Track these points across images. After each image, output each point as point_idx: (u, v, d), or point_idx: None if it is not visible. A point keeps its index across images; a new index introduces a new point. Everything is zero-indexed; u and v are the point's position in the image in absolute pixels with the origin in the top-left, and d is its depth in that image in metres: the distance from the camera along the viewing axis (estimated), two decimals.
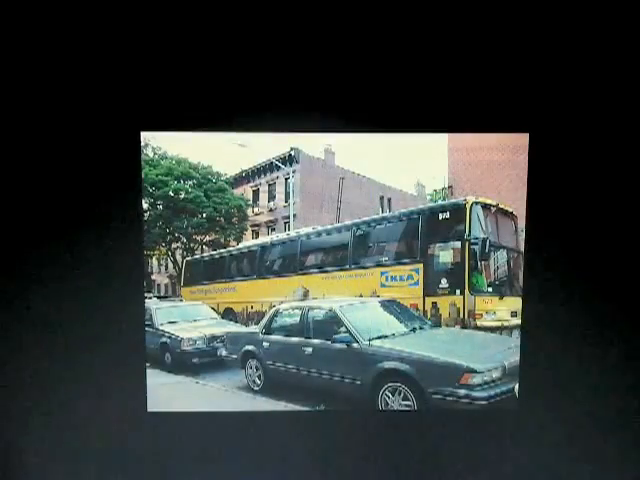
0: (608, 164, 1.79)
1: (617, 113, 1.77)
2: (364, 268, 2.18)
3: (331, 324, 2.07)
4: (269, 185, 2.34)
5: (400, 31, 1.73)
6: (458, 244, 2.05)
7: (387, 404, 1.91)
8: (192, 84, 1.75)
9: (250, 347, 2.23)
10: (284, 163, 2.25)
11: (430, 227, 2.09)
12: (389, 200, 2.25)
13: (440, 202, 2.10)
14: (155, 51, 1.72)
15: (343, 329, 2.04)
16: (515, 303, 1.93)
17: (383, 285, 2.13)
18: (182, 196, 2.21)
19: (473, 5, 1.71)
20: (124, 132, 1.76)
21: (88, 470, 1.89)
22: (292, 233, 2.32)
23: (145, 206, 2.00)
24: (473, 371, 1.83)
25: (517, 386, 1.89)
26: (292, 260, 2.34)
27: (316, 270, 2.27)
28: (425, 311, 2.06)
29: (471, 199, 2.05)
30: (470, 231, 2.03)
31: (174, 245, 2.27)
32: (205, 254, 2.36)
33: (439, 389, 1.85)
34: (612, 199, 1.81)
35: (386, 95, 1.77)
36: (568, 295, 1.85)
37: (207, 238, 2.31)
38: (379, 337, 2.01)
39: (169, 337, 2.24)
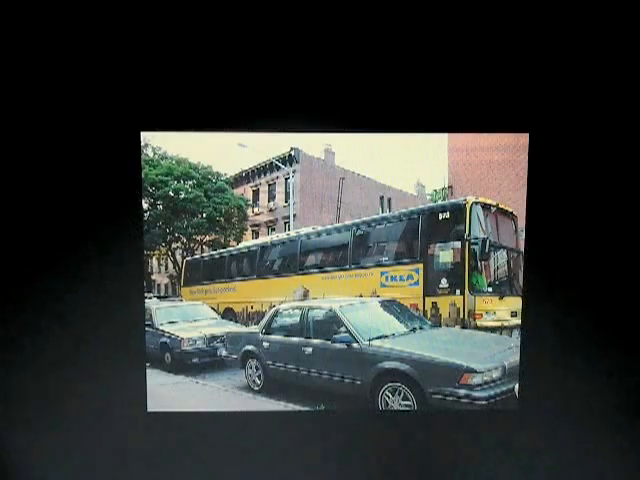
0: (608, 164, 1.79)
1: (617, 113, 1.77)
2: (364, 268, 2.18)
3: (331, 324, 2.07)
4: (269, 185, 2.34)
5: (400, 31, 1.73)
6: (458, 244, 2.04)
7: (387, 404, 1.91)
8: (192, 84, 1.75)
9: (250, 347, 2.23)
10: (284, 163, 2.24)
11: (430, 227, 2.08)
12: (389, 200, 2.25)
13: (440, 202, 2.10)
14: (155, 51, 1.72)
15: (343, 329, 2.04)
16: (515, 303, 1.93)
17: (383, 285, 2.13)
18: (182, 196, 2.21)
19: (473, 5, 1.71)
20: (124, 132, 1.76)
21: (88, 470, 1.89)
22: (292, 233, 2.32)
23: (145, 206, 1.99)
24: (473, 371, 1.83)
25: (517, 386, 1.89)
26: (292, 260, 2.33)
27: (316, 270, 2.27)
28: (425, 311, 2.06)
29: (471, 199, 2.05)
30: (470, 231, 2.03)
31: (174, 245, 2.27)
32: (205, 254, 2.35)
33: (439, 389, 1.85)
34: (612, 199, 1.81)
35: (386, 95, 1.77)
36: (568, 295, 1.85)
37: (207, 238, 2.30)
38: (379, 337, 2.01)
39: (169, 337, 2.23)
